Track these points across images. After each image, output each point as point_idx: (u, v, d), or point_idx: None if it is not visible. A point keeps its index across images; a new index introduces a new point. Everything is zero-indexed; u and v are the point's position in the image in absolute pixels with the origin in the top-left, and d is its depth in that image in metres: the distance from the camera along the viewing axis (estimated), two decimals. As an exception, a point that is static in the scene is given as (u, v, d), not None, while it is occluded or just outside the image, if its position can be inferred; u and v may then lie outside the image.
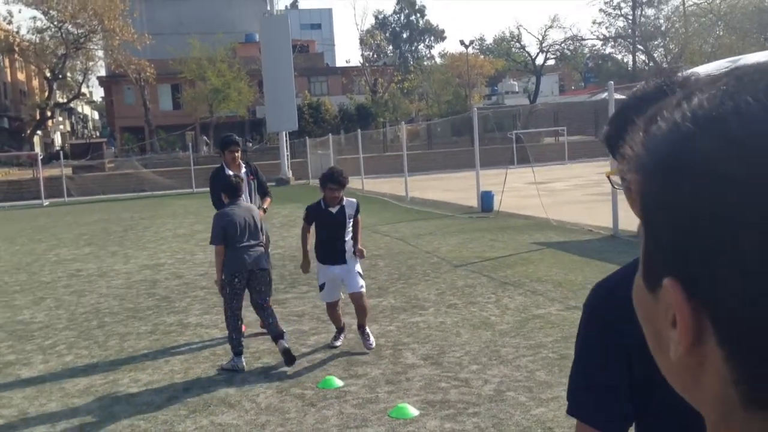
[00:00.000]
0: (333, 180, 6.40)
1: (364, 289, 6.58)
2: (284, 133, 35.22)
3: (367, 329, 6.61)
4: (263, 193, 7.79)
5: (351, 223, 6.57)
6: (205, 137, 51.35)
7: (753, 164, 0.48)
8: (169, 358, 6.75)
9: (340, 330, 6.90)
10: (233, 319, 6.28)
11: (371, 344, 6.51)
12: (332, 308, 6.74)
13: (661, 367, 0.59)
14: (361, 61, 63.33)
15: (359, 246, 6.60)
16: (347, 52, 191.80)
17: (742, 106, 0.50)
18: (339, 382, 5.74)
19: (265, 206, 7.66)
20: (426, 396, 5.32)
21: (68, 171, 35.90)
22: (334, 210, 6.48)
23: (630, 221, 11.71)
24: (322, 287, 6.65)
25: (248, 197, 7.29)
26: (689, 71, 1.36)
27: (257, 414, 5.21)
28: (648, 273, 0.58)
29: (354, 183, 28.83)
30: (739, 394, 0.50)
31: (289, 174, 35.86)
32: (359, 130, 29.84)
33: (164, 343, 7.26)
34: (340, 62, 72.75)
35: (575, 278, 8.96)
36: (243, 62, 50.66)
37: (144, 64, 48.05)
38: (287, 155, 36.05)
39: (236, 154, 7.39)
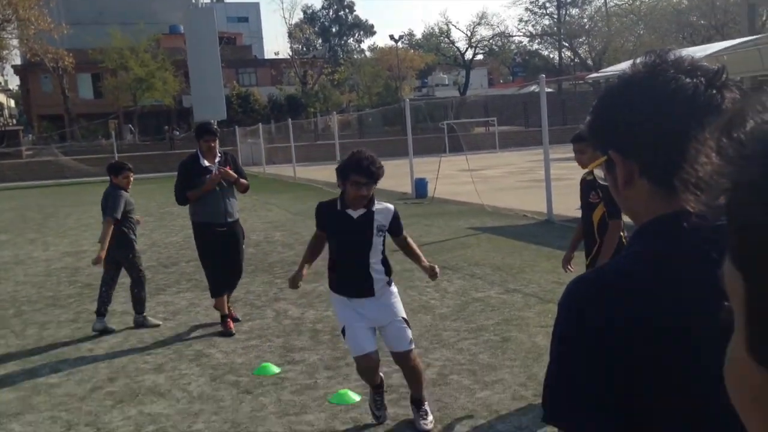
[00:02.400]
0: (360, 170, 4.05)
1: (413, 346, 4.41)
2: (213, 122, 34.36)
3: (425, 404, 4.46)
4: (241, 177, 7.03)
5: (382, 241, 4.32)
6: (129, 126, 49.85)
7: None
8: (92, 346, 6.35)
9: (377, 387, 4.49)
10: None
11: (428, 426, 4.35)
12: (367, 365, 4.27)
13: None
14: (290, 53, 62.46)
15: (424, 262, 4.60)
16: (275, 45, 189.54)
17: None
18: (276, 369, 5.49)
19: (241, 182, 6.77)
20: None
21: (-18, 158, 34.18)
22: (355, 214, 4.23)
23: (563, 207, 11.83)
24: (344, 331, 4.31)
25: (220, 190, 6.61)
26: (680, 52, 1.20)
27: (189, 402, 4.91)
28: (761, 348, 0.41)
29: (285, 170, 28.50)
30: None
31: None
32: (290, 120, 29.42)
33: (87, 331, 6.83)
34: (268, 55, 71.51)
35: (513, 262, 8.92)
36: (168, 53, 49.46)
37: (62, 53, 46.21)
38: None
39: (212, 144, 6.65)
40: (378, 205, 4.29)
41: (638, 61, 1.20)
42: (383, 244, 4.31)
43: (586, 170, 4.83)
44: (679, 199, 1.08)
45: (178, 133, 48.15)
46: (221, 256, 6.67)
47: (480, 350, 5.68)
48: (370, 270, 4.25)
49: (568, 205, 10.82)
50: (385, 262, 4.32)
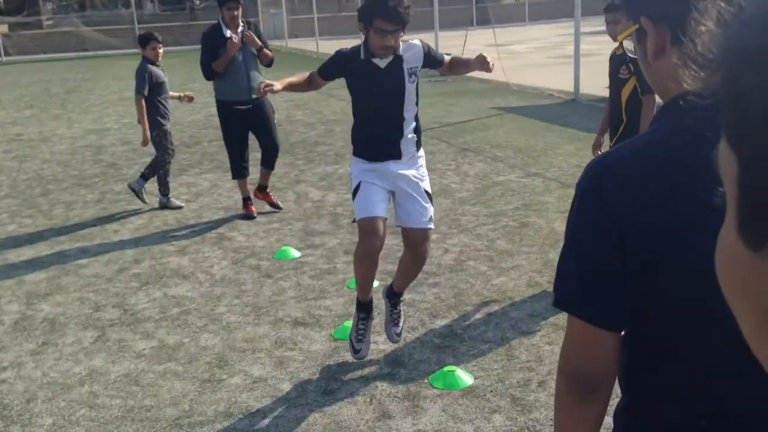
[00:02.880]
0: (386, 13, 3.42)
1: (432, 226, 3.86)
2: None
3: (401, 305, 4.05)
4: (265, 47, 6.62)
5: (415, 88, 3.69)
6: (149, -7, 48.60)
7: None
8: (118, 228, 6.50)
9: (365, 307, 3.86)
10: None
11: (396, 338, 3.97)
12: (373, 230, 3.64)
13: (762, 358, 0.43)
14: None
15: (472, 61, 3.74)
16: None
17: None
18: (296, 253, 5.60)
19: (269, 54, 6.48)
20: (385, 266, 5.20)
21: (4, 28, 33.81)
22: (382, 63, 3.60)
23: (592, 85, 11.55)
24: (356, 191, 3.77)
25: (244, 63, 6.35)
26: None
27: (212, 286, 5.06)
28: (755, 226, 0.39)
29: (308, 44, 27.89)
30: None
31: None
32: (313, -12, 28.44)
33: (112, 212, 6.98)
34: None
35: (536, 144, 8.81)
36: None
37: None
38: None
39: (235, 12, 6.30)
40: (403, 45, 3.63)
41: None
42: (417, 93, 3.70)
43: (617, 42, 4.66)
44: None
45: (198, 2, 46.97)
46: (245, 135, 6.55)
47: (498, 236, 5.72)
48: (403, 126, 3.66)
49: (597, 83, 10.53)
50: (417, 118, 3.76)
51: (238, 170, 6.65)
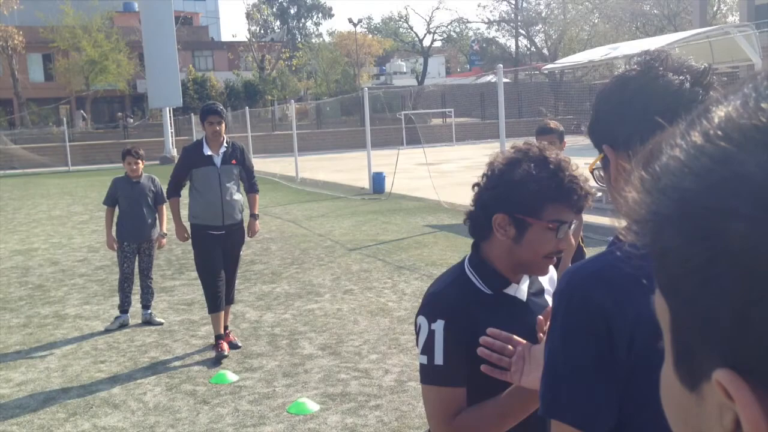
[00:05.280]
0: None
1: None
2: (168, 109, 33.88)
3: None
4: (250, 186, 6.24)
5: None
6: (82, 112, 48.68)
7: None
8: (44, 354, 6.23)
9: None
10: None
11: None
12: None
13: None
14: (248, 36, 61.63)
15: None
16: (233, 27, 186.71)
17: None
18: (233, 377, 5.46)
19: (255, 210, 6.24)
20: (326, 389, 5.14)
21: (-74, 146, 33.12)
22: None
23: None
24: None
25: (221, 189, 5.83)
26: (669, 52, 1.29)
27: (145, 414, 4.87)
28: (686, 367, 0.43)
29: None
30: None
31: (174, 152, 34.60)
32: (247, 108, 29.12)
33: (39, 337, 6.71)
34: (225, 37, 70.66)
35: (469, 262, 8.98)
36: (122, 32, 48.22)
37: (12, 30, 44.80)
38: (171, 132, 34.72)
39: (217, 128, 5.83)
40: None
41: (632, 60, 1.29)
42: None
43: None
44: None
45: (131, 120, 47.27)
46: (220, 264, 5.95)
47: (437, 355, 5.72)
48: None
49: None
50: None
51: (215, 303, 5.96)
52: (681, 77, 1.21)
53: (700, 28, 28.64)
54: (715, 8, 51.32)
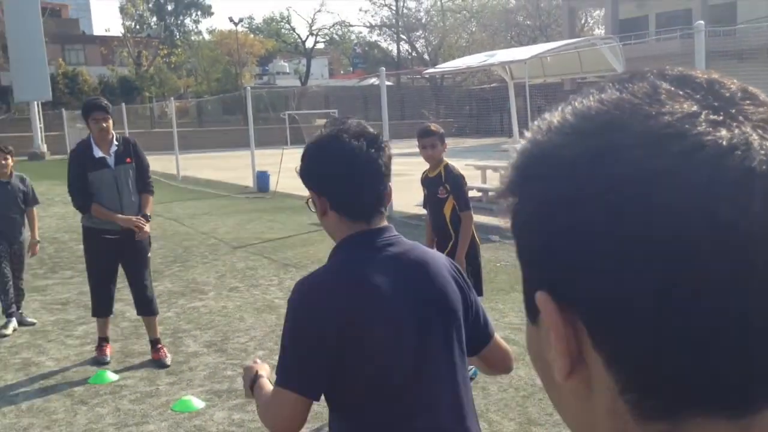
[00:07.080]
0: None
1: None
2: (36, 103, 32.09)
3: None
4: (143, 185, 5.56)
5: None
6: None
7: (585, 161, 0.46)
8: None
9: None
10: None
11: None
12: None
13: (556, 406, 0.53)
14: (123, 31, 59.31)
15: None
16: (106, 21, 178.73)
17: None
18: (113, 376, 5.27)
19: (147, 211, 5.56)
20: (211, 386, 5.05)
21: None
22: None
23: (404, 203, 12.18)
24: None
25: (119, 192, 5.33)
26: (348, 120, 1.75)
27: (18, 417, 4.61)
28: (528, 304, 0.51)
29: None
30: (628, 406, 0.45)
31: (44, 148, 32.84)
32: (123, 105, 28.07)
33: None
34: (98, 31, 67.62)
35: (355, 259, 9.07)
36: (-17, 22, 45.22)
37: None
38: (40, 128, 32.91)
39: (104, 125, 5.23)
40: None
41: (324, 126, 1.75)
42: None
43: (427, 169, 5.06)
44: (359, 224, 1.69)
45: (-5, 114, 44.37)
46: (115, 269, 5.55)
47: (324, 349, 5.75)
48: None
49: (408, 201, 11.16)
50: None
51: (99, 308, 5.60)
52: (360, 142, 1.66)
53: (569, 39, 30.16)
54: (582, 21, 54.20)
